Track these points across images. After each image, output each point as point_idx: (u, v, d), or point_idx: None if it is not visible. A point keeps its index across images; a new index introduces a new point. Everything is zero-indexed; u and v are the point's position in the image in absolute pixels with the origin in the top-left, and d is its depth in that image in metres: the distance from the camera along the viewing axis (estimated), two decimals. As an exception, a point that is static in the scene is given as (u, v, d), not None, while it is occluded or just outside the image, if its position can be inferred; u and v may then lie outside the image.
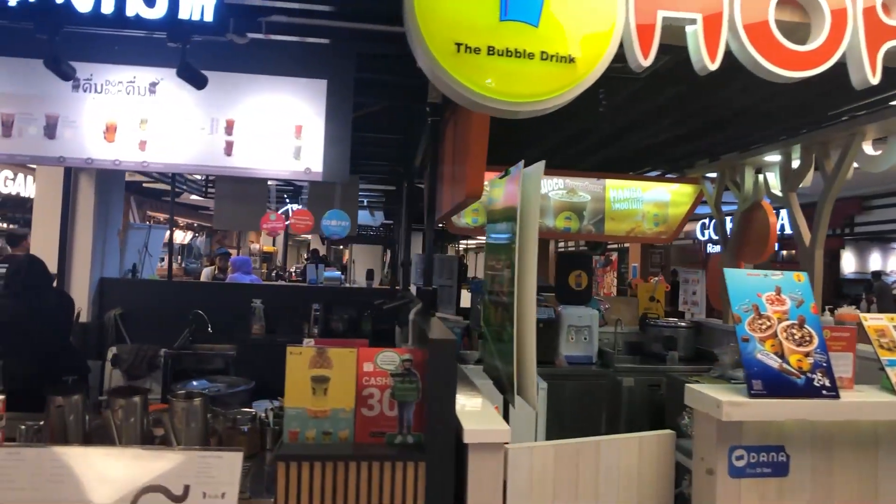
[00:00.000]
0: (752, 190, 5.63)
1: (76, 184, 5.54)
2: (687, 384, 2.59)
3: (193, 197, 12.98)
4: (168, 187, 10.09)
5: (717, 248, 13.05)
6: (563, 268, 5.86)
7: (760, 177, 5.52)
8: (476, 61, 2.17)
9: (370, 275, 7.78)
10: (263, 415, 2.81)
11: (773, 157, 5.28)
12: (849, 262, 14.06)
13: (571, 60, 2.23)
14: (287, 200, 10.51)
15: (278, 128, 3.24)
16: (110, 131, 3.17)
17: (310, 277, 9.36)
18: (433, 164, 3.23)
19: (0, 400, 2.17)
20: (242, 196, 5.56)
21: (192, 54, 3.18)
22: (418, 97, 3.50)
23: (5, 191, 9.37)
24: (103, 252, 5.78)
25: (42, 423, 2.39)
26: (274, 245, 13.44)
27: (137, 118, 3.20)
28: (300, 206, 7.00)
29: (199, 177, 8.77)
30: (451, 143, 3.39)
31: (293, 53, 3.10)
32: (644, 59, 2.34)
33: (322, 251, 17.83)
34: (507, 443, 2.31)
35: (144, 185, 11.40)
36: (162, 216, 14.84)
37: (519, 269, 2.73)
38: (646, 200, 6.28)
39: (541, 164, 2.82)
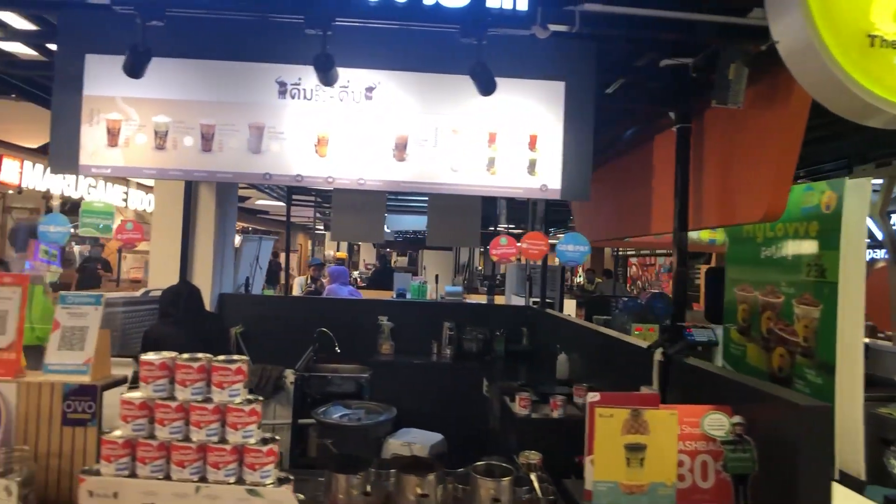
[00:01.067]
0: (933, 198, 5.08)
1: (196, 196, 5.22)
2: None
3: (260, 202, 12.70)
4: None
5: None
6: (717, 284, 5.36)
7: (949, 184, 4.96)
8: (889, 59, 1.72)
9: (491, 290, 7.35)
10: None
11: (969, 163, 4.73)
12: None
13: None
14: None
15: (511, 138, 2.81)
16: (322, 144, 2.76)
17: (398, 287, 8.96)
18: (682, 177, 2.77)
19: (287, 482, 1.77)
20: (361, 207, 5.15)
21: (404, 50, 2.78)
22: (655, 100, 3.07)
23: (69, 194, 9.12)
24: (221, 266, 5.44)
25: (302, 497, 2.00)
26: (338, 249, 13.12)
27: (352, 129, 2.79)
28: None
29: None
30: (704, 154, 2.93)
31: (528, 50, 2.66)
32: None
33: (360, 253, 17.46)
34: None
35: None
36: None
37: (844, 305, 2.27)
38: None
39: (867, 180, 2.36)
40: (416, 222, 9.59)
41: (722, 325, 5.32)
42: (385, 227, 10.87)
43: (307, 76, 2.76)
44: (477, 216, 5.65)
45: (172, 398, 1.77)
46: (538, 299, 6.38)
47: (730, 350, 3.01)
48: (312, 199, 8.81)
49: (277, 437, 1.79)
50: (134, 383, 2.41)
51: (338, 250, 13.10)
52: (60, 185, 8.53)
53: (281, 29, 2.68)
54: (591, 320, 8.08)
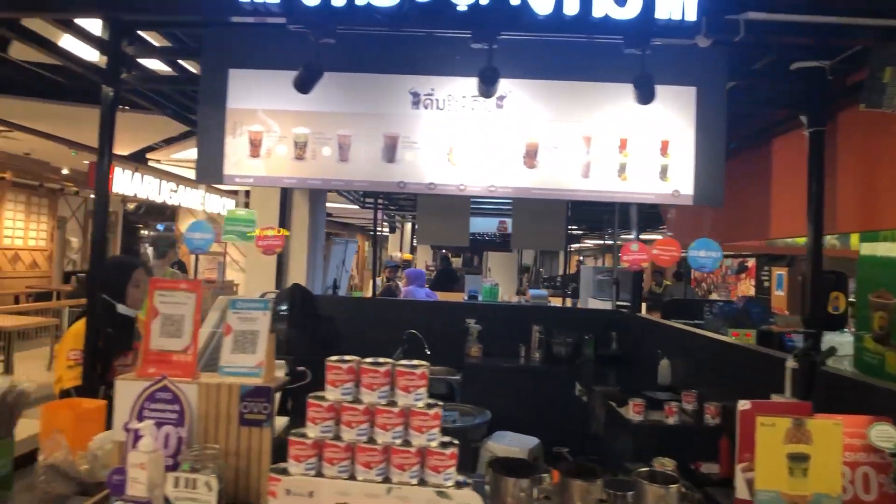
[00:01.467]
0: None
1: (290, 202, 5.39)
2: None
3: (330, 205, 12.94)
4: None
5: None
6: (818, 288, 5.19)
7: None
8: None
9: (575, 292, 7.33)
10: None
11: None
12: None
13: None
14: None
15: (642, 144, 2.81)
16: (453, 152, 2.83)
17: (469, 289, 9.02)
18: (818, 181, 2.72)
19: (466, 485, 1.82)
20: (447, 211, 5.21)
21: (535, 59, 2.81)
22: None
23: (170, 202, 9.50)
24: (313, 269, 5.60)
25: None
26: (401, 251, 13.29)
27: (483, 137, 2.84)
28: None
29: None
30: (838, 157, 2.87)
31: (660, 57, 2.65)
32: None
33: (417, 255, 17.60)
34: None
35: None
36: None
37: None
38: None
39: None
40: (485, 225, 9.61)
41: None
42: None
43: (440, 86, 2.83)
44: (562, 219, 5.64)
45: (359, 401, 1.84)
46: (623, 303, 6.33)
47: (863, 359, 2.93)
48: (380, 201, 8.96)
49: (456, 441, 1.84)
50: (290, 384, 2.51)
51: (401, 251, 13.26)
52: (146, 189, 8.91)
53: (415, 41, 2.75)
54: (669, 324, 7.92)
